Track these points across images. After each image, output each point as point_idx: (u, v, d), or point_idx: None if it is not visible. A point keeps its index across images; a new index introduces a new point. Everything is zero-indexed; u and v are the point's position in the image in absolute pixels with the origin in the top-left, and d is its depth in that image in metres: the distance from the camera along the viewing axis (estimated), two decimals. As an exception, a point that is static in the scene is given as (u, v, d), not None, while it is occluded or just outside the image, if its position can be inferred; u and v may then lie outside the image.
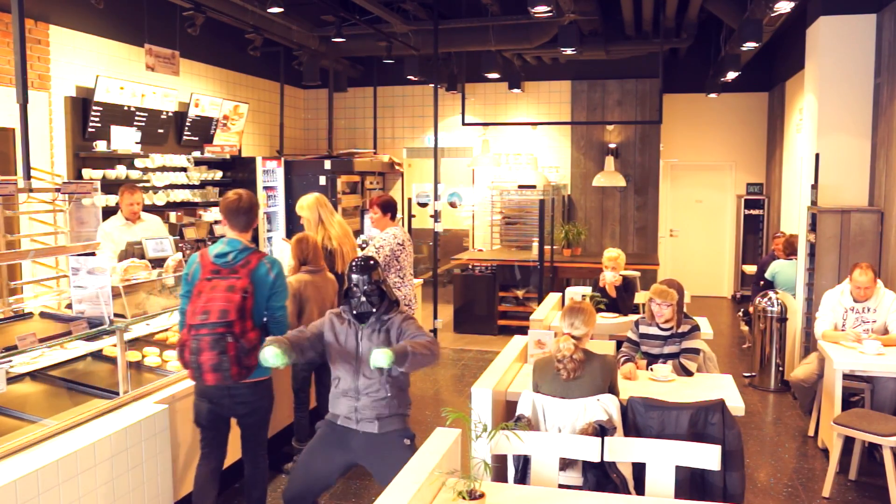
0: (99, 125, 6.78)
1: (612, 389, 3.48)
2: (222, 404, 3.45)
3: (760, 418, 5.76)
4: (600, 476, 3.25)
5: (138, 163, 7.20)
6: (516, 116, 10.71)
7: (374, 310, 3.27)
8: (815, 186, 6.22)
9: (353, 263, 3.32)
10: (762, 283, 7.34)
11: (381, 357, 2.96)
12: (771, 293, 6.46)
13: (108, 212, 5.74)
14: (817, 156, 6.23)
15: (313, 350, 3.31)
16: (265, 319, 3.46)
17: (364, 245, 6.18)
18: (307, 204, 5.02)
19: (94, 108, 6.71)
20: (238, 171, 8.77)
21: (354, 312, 3.28)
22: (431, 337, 3.28)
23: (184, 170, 7.88)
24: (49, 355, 3.93)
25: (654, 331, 4.36)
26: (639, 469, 3.12)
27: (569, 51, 7.72)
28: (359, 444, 3.27)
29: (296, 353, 3.19)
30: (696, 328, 4.31)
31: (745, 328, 7.90)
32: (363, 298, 3.24)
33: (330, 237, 4.96)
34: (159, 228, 5.89)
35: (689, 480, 3.27)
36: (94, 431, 3.19)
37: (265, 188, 8.86)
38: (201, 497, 3.55)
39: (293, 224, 8.98)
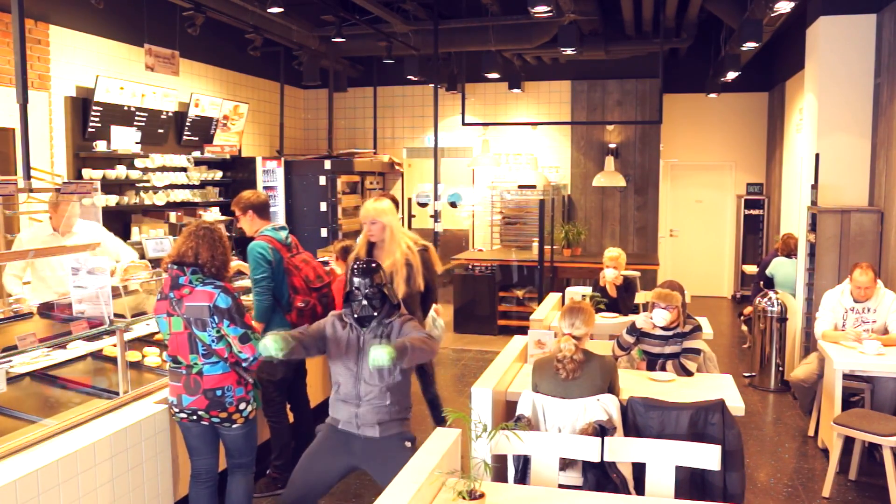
0: (99, 125, 6.78)
1: (612, 389, 3.48)
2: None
3: (760, 418, 5.76)
4: (600, 476, 3.25)
5: (138, 163, 7.20)
6: (516, 116, 10.70)
7: (376, 314, 3.26)
8: (815, 186, 6.22)
9: (355, 266, 3.31)
10: (762, 282, 7.34)
11: (381, 355, 2.92)
12: (771, 293, 6.46)
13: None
14: (817, 156, 6.23)
15: (315, 348, 3.30)
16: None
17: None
18: (390, 208, 4.41)
19: (94, 108, 6.71)
20: (238, 171, 8.77)
21: (356, 316, 3.28)
22: (428, 333, 3.29)
23: (184, 170, 7.88)
24: (49, 355, 3.93)
25: (656, 331, 4.35)
26: (639, 469, 3.12)
27: (569, 51, 7.71)
28: (360, 448, 3.27)
29: (297, 347, 3.18)
30: (697, 328, 4.31)
31: (745, 328, 7.90)
32: (364, 302, 3.24)
33: (409, 247, 4.40)
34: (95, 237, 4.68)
35: (689, 480, 3.27)
36: (94, 431, 3.18)
37: (265, 188, 8.85)
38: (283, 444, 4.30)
39: (293, 223, 8.97)
